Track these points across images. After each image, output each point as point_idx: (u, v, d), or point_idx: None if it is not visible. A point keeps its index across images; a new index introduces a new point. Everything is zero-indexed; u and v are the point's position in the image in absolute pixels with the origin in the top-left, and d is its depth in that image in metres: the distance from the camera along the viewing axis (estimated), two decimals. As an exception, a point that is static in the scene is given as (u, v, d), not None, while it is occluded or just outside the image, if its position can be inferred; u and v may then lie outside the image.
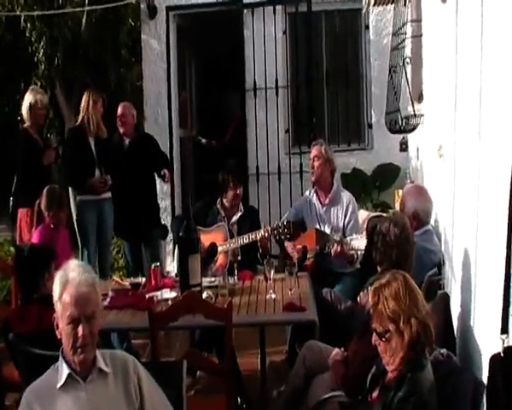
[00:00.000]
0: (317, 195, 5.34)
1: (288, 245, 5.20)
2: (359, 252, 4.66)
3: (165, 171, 6.15)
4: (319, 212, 5.29)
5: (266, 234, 4.80)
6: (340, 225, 5.19)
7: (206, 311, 3.53)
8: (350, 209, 5.20)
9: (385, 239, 3.72)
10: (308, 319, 3.85)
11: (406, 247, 3.71)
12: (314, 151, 5.33)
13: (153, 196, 6.47)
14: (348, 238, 4.77)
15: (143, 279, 4.59)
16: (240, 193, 5.14)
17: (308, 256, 5.06)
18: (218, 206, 5.16)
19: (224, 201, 5.15)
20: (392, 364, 2.74)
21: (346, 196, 5.28)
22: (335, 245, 4.77)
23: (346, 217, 5.18)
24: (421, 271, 3.92)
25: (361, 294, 4.33)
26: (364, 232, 4.51)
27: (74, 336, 2.58)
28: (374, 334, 2.75)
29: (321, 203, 5.30)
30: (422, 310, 2.71)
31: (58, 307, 2.62)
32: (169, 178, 6.29)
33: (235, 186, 5.09)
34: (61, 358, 2.66)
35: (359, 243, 4.61)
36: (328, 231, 5.18)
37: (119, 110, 6.25)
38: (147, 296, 4.23)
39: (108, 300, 4.19)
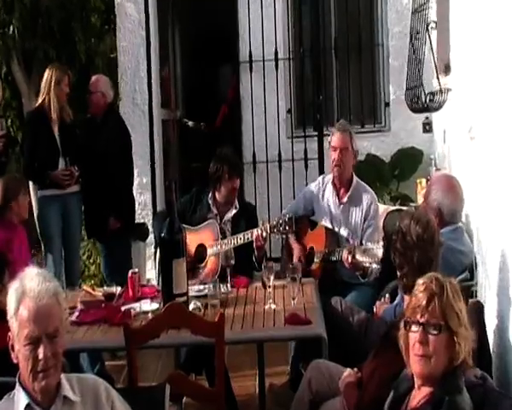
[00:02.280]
0: (336, 189, 5.24)
1: (295, 246, 5.17)
2: (374, 265, 4.59)
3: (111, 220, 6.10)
4: (334, 210, 5.20)
5: (263, 233, 4.76)
6: (359, 230, 5.12)
7: (194, 325, 3.51)
8: (371, 213, 5.12)
9: (405, 239, 3.70)
10: (314, 334, 3.83)
11: (430, 249, 3.69)
12: (341, 141, 5.11)
13: (126, 189, 6.41)
14: (362, 246, 4.69)
15: (119, 289, 4.55)
16: (236, 187, 5.11)
17: (315, 260, 5.03)
18: (210, 201, 5.13)
19: (217, 195, 5.12)
20: (433, 376, 2.70)
21: (368, 195, 5.18)
22: (346, 254, 4.71)
23: (365, 222, 5.12)
24: (448, 275, 3.88)
25: (377, 303, 4.32)
26: (381, 243, 4.46)
27: (34, 359, 2.55)
28: (420, 329, 2.71)
29: (338, 200, 5.22)
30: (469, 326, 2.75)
31: (13, 324, 2.58)
32: (114, 225, 6.17)
33: (232, 179, 5.04)
34: (17, 385, 2.63)
35: (374, 253, 4.54)
36: (344, 233, 5.13)
37: (91, 83, 6.21)
38: (123, 309, 4.20)
39: (77, 314, 4.16)
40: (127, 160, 6.30)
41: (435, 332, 2.71)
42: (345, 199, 5.18)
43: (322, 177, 5.44)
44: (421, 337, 2.73)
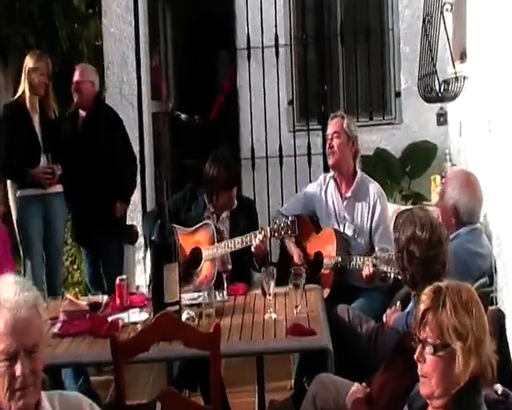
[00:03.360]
0: (336, 183, 5.26)
1: (295, 251, 5.15)
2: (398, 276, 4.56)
3: (117, 205, 6.13)
4: (338, 206, 5.22)
5: (263, 237, 4.75)
6: (366, 226, 5.13)
7: (187, 337, 3.49)
8: (378, 208, 5.12)
9: (414, 255, 3.69)
10: (319, 346, 3.82)
11: (441, 252, 3.69)
12: (333, 126, 5.25)
13: (118, 186, 6.41)
14: (385, 255, 4.64)
15: (105, 297, 4.55)
16: (234, 196, 5.12)
17: (324, 267, 5.00)
18: (206, 199, 5.12)
19: (213, 198, 5.12)
20: (438, 397, 2.67)
21: (374, 188, 5.20)
22: (368, 267, 4.68)
23: (372, 218, 5.12)
24: (465, 280, 3.86)
25: (388, 311, 4.31)
26: None
27: (10, 377, 2.52)
28: (419, 346, 2.67)
29: (341, 195, 5.23)
30: (490, 339, 2.67)
31: (-12, 337, 2.55)
32: (121, 211, 6.20)
33: (229, 189, 5.06)
34: (-7, 404, 2.60)
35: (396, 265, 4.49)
36: (349, 232, 5.14)
37: (75, 75, 6.18)
38: (109, 319, 4.19)
39: (59, 325, 4.14)
40: (130, 154, 6.31)
41: (430, 352, 2.66)
42: (348, 193, 5.21)
43: (323, 175, 5.48)
44: (419, 356, 2.68)
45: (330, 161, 5.25)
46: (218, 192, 5.07)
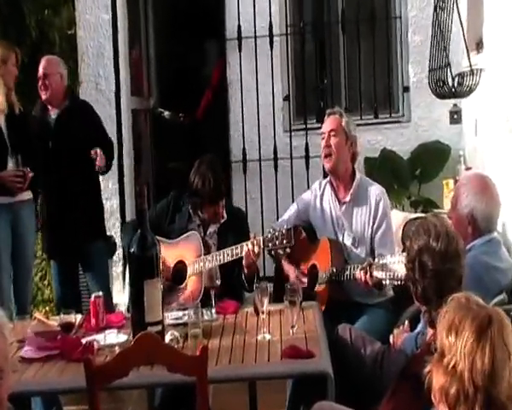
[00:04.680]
0: (333, 188, 5.27)
1: (289, 268, 5.16)
2: (395, 282, 4.57)
3: (97, 150, 6.06)
4: (336, 213, 5.23)
5: (255, 248, 4.75)
6: (367, 233, 5.13)
7: (171, 361, 3.48)
8: (380, 211, 5.13)
9: (426, 267, 3.67)
10: (319, 370, 3.80)
11: (457, 266, 3.67)
12: (330, 123, 5.24)
13: (94, 192, 6.43)
14: (380, 261, 4.66)
15: (78, 317, 4.54)
16: (220, 210, 5.11)
17: (319, 281, 5.01)
18: (191, 210, 5.13)
19: (198, 211, 5.13)
20: None
21: (375, 190, 5.21)
22: (359, 274, 4.69)
23: (374, 222, 5.12)
24: (481, 297, 3.87)
25: (395, 331, 4.31)
26: (401, 253, 4.44)
27: (-29, 405, 2.52)
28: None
29: (338, 201, 5.24)
30: None
31: None
32: (100, 162, 6.10)
33: (216, 202, 5.06)
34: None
35: (395, 267, 4.51)
36: (348, 242, 5.13)
37: (41, 68, 6.18)
38: (83, 341, 4.16)
39: (27, 348, 4.11)
40: (109, 155, 6.35)
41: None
42: (346, 198, 5.20)
43: (318, 182, 5.46)
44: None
45: (327, 165, 5.21)
46: (202, 206, 5.08)
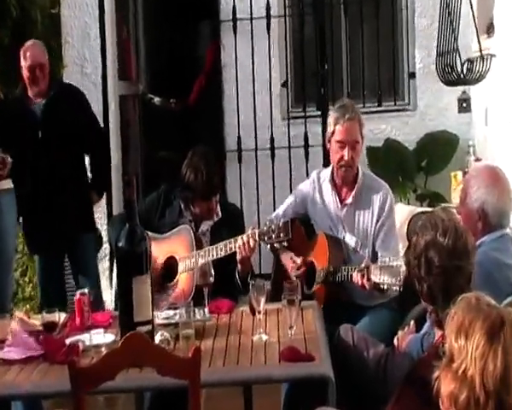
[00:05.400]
0: (335, 187, 5.22)
1: (287, 261, 5.15)
2: (394, 288, 4.56)
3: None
4: (336, 215, 5.19)
5: (250, 241, 4.75)
6: (370, 236, 5.11)
7: (161, 363, 3.48)
8: (384, 212, 5.10)
9: (433, 264, 3.67)
10: (319, 374, 3.80)
11: (467, 263, 3.67)
12: (351, 132, 5.04)
13: (84, 181, 6.42)
14: (378, 263, 4.65)
15: (62, 315, 4.53)
16: (213, 206, 5.12)
17: (317, 280, 5.02)
18: (182, 204, 5.14)
19: (190, 206, 5.15)
20: None
21: (381, 190, 5.16)
22: (356, 276, 4.68)
23: (377, 222, 5.10)
24: (492, 296, 3.87)
25: (400, 332, 4.32)
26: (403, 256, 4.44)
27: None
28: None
29: (340, 200, 5.20)
30: None
31: None
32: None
33: (209, 198, 5.07)
34: None
35: (395, 271, 4.51)
36: (350, 244, 5.11)
37: (30, 58, 6.12)
38: (67, 342, 4.16)
39: (7, 349, 4.12)
40: (101, 139, 6.40)
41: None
42: (349, 200, 5.15)
43: (316, 172, 5.40)
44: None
45: (343, 173, 5.10)
46: (194, 201, 5.08)
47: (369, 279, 4.62)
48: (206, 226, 5.13)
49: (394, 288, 4.52)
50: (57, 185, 6.12)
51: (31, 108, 6.20)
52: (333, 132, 5.10)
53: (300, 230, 5.21)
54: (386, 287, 4.57)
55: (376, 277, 4.56)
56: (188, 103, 9.91)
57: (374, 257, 5.00)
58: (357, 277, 4.68)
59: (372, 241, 5.09)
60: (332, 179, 5.22)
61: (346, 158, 5.04)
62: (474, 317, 2.55)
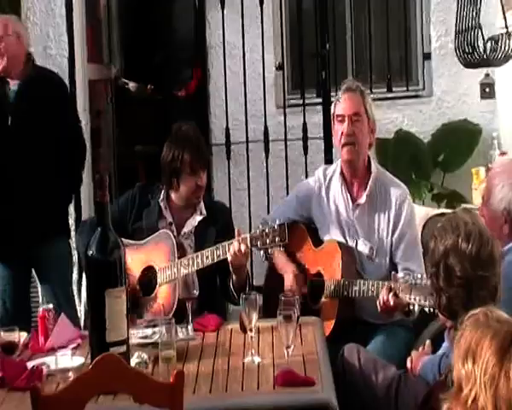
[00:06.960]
0: (346, 185, 5.23)
1: (287, 268, 5.16)
2: (426, 302, 4.55)
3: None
4: (348, 217, 5.19)
5: (242, 247, 4.76)
6: (386, 243, 5.12)
7: (138, 388, 3.48)
8: (403, 216, 5.11)
9: (453, 273, 3.68)
10: (319, 401, 3.81)
11: (492, 273, 3.69)
12: (350, 104, 5.14)
13: (56, 179, 6.40)
14: (409, 280, 4.63)
15: (23, 335, 4.55)
16: (202, 184, 5.13)
17: (326, 292, 5.02)
18: (162, 203, 5.18)
19: (174, 195, 5.16)
20: None
21: (397, 189, 5.18)
22: (386, 294, 4.67)
23: (395, 230, 5.10)
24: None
25: (413, 353, 4.33)
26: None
27: None
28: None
29: (352, 201, 5.21)
30: None
31: None
32: None
33: (196, 173, 5.09)
34: None
35: (426, 288, 4.49)
36: (363, 252, 5.12)
37: None
38: (29, 365, 4.17)
39: (-40, 373, 4.15)
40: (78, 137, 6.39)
41: None
42: (362, 199, 5.17)
43: (323, 169, 5.41)
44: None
45: (347, 155, 5.14)
46: (180, 180, 5.09)
47: (397, 296, 4.62)
48: (189, 227, 5.15)
49: (426, 309, 4.51)
50: (26, 181, 6.10)
51: (3, 88, 6.21)
52: (333, 114, 5.21)
53: (304, 235, 5.22)
54: (416, 308, 4.57)
55: (406, 296, 4.55)
56: (188, 91, 9.89)
57: (391, 268, 5.01)
58: (386, 295, 4.66)
59: (389, 249, 5.11)
60: (341, 173, 5.23)
61: (344, 131, 5.09)
62: (482, 335, 2.56)
